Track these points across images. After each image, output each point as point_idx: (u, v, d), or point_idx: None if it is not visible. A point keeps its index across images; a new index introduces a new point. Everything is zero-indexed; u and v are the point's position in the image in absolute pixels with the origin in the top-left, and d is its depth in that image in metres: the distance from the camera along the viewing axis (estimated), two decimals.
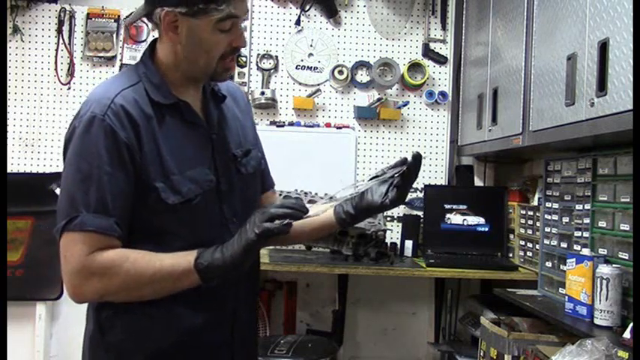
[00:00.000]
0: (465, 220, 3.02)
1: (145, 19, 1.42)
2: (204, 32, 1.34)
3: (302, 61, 3.24)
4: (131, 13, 1.52)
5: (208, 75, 1.41)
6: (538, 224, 2.57)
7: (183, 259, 1.29)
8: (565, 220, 2.29)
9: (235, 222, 1.40)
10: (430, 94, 3.25)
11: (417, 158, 1.42)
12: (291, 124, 3.22)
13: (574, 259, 2.04)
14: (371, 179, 1.47)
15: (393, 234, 3.15)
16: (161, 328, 1.36)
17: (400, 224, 3.17)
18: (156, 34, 1.42)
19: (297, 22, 3.23)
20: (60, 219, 1.28)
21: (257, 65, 3.22)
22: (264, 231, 1.27)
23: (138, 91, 1.35)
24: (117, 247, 1.28)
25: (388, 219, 3.18)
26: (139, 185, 1.31)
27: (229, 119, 1.50)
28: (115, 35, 3.14)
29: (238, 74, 3.17)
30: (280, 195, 2.79)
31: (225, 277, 1.32)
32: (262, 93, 3.15)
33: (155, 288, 1.30)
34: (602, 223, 2.04)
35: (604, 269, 1.88)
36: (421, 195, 3.18)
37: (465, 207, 3.03)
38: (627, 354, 1.54)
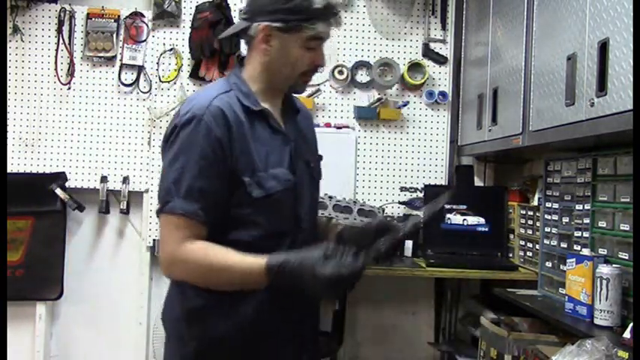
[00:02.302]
0: (465, 220, 3.02)
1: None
2: (293, 47, 1.55)
3: None
4: (225, 31, 1.82)
5: (288, 86, 1.62)
6: (538, 224, 2.57)
7: (256, 259, 1.43)
8: (565, 220, 2.29)
9: (305, 219, 1.61)
10: (430, 94, 3.24)
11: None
12: None
13: (574, 259, 2.04)
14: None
15: None
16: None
17: None
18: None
19: None
20: (158, 203, 1.50)
21: None
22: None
23: (231, 97, 1.55)
24: (202, 232, 1.47)
25: (388, 219, 3.16)
26: (230, 179, 1.49)
27: (303, 130, 1.70)
28: (115, 35, 3.12)
29: None
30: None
31: (295, 284, 1.40)
32: None
33: (227, 281, 1.47)
34: (602, 223, 2.04)
35: (604, 269, 1.89)
36: (421, 195, 3.18)
37: (465, 207, 3.02)
38: (627, 354, 1.54)
